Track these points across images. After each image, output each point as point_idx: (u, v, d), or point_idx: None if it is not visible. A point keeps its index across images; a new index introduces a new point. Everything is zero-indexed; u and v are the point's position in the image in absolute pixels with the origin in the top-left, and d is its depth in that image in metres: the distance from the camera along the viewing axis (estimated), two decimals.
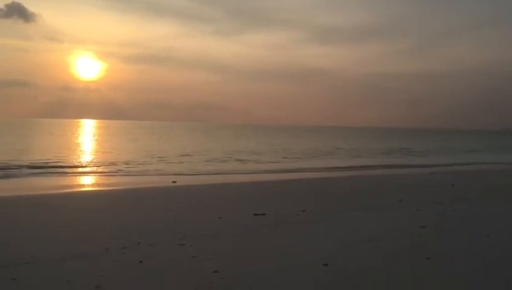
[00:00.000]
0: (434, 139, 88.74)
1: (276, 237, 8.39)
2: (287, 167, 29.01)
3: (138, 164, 28.10)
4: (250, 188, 16.94)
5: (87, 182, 20.40)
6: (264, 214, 10.30)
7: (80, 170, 25.25)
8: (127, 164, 28.16)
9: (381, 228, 9.08)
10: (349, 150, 47.72)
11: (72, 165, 27.17)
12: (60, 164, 26.71)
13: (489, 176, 21.65)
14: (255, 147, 48.54)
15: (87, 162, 30.07)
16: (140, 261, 6.56)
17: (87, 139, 64.41)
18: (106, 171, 24.76)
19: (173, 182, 18.66)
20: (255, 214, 10.30)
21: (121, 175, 22.86)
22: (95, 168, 26.11)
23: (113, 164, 28.15)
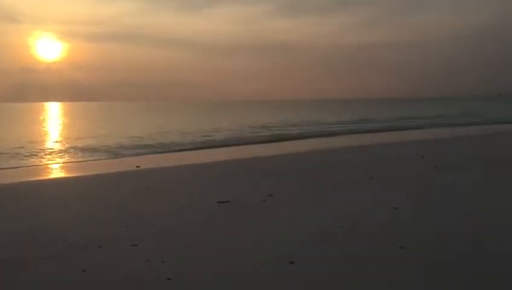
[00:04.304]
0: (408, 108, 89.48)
1: (240, 229, 7.69)
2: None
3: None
4: (212, 170, 15.91)
5: (35, 171, 19.10)
6: (228, 201, 9.62)
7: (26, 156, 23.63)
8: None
9: (355, 211, 8.55)
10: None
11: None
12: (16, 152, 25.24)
13: (459, 144, 21.43)
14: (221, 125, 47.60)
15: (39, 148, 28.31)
16: (84, 271, 5.76)
17: (49, 125, 62.24)
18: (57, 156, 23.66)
19: (137, 166, 17.79)
20: (218, 202, 9.61)
21: (78, 161, 21.74)
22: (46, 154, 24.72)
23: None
